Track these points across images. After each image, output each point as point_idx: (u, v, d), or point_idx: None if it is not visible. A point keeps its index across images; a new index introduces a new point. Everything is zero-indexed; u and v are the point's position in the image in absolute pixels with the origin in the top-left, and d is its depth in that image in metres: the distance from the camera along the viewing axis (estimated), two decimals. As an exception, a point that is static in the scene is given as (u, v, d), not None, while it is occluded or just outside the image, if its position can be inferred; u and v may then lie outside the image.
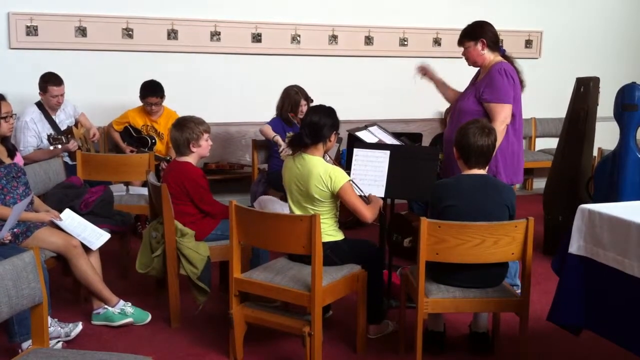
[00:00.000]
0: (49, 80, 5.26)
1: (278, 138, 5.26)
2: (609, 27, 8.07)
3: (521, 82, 4.13)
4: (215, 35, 6.39)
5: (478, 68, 4.23)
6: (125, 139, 5.79)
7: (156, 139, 5.74)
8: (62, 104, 5.42)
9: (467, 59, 4.20)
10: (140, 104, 5.74)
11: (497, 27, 4.16)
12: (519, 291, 3.64)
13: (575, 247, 2.97)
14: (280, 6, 6.61)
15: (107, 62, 6.07)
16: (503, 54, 4.16)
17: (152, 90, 5.61)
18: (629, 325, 2.75)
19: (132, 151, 5.69)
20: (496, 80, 3.99)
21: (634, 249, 2.68)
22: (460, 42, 4.18)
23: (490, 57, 4.11)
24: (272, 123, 5.42)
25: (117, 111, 5.87)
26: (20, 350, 3.36)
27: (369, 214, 3.59)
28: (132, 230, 5.07)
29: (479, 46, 4.09)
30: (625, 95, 4.90)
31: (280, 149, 5.17)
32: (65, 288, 4.29)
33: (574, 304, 2.99)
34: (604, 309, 2.88)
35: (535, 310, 3.53)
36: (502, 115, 3.95)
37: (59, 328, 3.65)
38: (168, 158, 5.35)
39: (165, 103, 5.80)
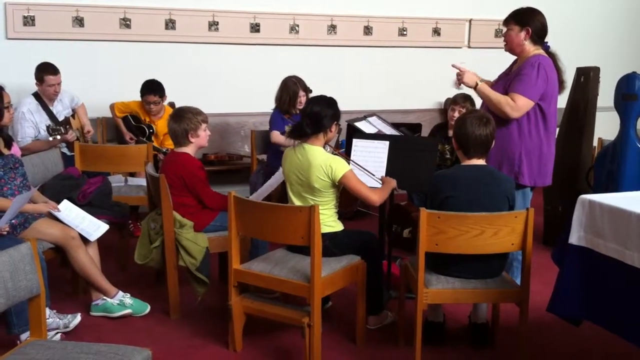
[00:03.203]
0: (45, 70, 5.24)
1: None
2: (609, 17, 8.05)
3: (561, 82, 3.93)
4: (213, 25, 6.35)
5: (510, 57, 4.05)
6: (125, 125, 5.76)
7: (154, 128, 5.71)
8: (59, 95, 5.39)
9: (505, 43, 3.98)
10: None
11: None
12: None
13: (575, 237, 2.96)
14: (279, -5, 6.59)
15: (105, 53, 6.04)
16: (547, 49, 3.94)
17: (150, 89, 5.54)
18: (629, 316, 2.74)
19: (131, 138, 5.67)
20: (526, 73, 3.79)
21: (635, 239, 2.67)
22: (506, 22, 3.94)
23: (530, 48, 3.88)
24: (276, 123, 5.36)
25: (114, 102, 5.82)
26: (18, 342, 3.36)
27: (375, 197, 3.59)
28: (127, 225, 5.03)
29: (522, 34, 3.85)
30: (625, 85, 4.89)
31: None
32: (64, 279, 4.27)
33: (574, 294, 2.98)
34: (604, 299, 2.87)
35: (535, 301, 3.52)
36: (517, 104, 3.76)
37: (58, 319, 3.64)
38: (165, 150, 5.33)
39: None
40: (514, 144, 3.86)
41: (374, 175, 3.78)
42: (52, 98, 5.34)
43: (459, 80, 3.99)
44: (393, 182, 3.76)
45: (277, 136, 5.32)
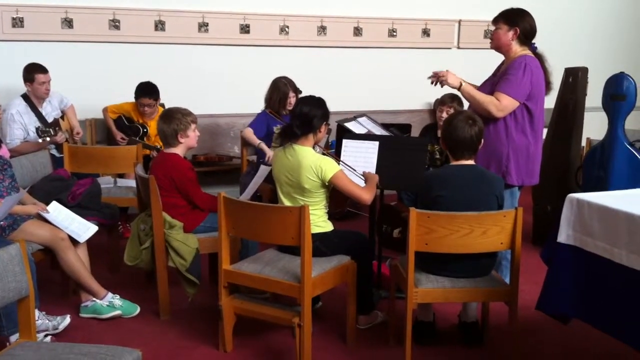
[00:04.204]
0: (35, 69, 5.23)
1: (263, 145, 5.17)
2: (598, 18, 8.10)
3: (548, 83, 3.95)
4: (203, 26, 6.35)
5: (499, 58, 4.07)
6: (118, 126, 5.76)
7: (148, 129, 5.71)
8: (48, 96, 5.37)
9: (491, 40, 4.01)
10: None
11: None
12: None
13: (564, 236, 2.97)
14: (268, -4, 6.60)
15: (94, 54, 6.03)
16: (534, 50, 3.97)
17: (145, 92, 5.55)
18: (617, 314, 2.76)
19: (122, 138, 5.66)
20: (512, 73, 3.82)
21: (623, 237, 2.69)
22: (495, 21, 3.96)
23: (516, 49, 3.92)
24: (256, 122, 5.35)
25: (103, 103, 5.81)
26: (8, 344, 3.34)
27: (366, 195, 3.60)
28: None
29: (510, 34, 3.89)
30: (613, 85, 4.92)
31: (267, 157, 5.05)
32: (54, 281, 4.26)
33: (562, 292, 2.99)
34: (593, 297, 2.88)
35: (524, 300, 3.54)
36: (502, 104, 3.80)
37: (47, 321, 3.63)
38: (158, 147, 5.32)
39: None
40: (502, 144, 3.88)
41: (355, 170, 3.79)
42: (44, 97, 5.32)
43: (443, 82, 4.00)
44: (376, 177, 3.77)
45: (248, 132, 5.28)
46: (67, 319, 3.69)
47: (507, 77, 3.84)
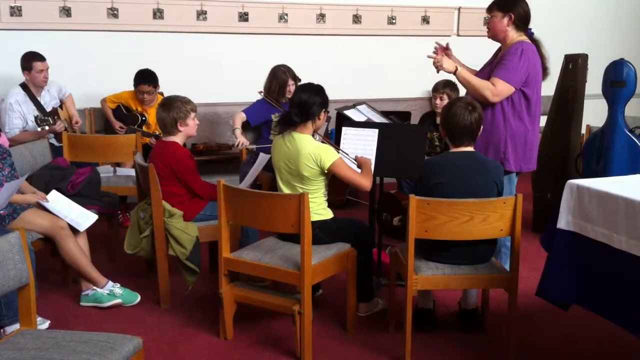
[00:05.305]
0: (32, 58, 5.22)
1: (237, 132, 5.14)
2: (597, 4, 8.07)
3: (545, 69, 3.95)
4: (201, 14, 6.33)
5: (498, 46, 4.07)
6: (116, 115, 5.75)
7: (147, 117, 5.70)
8: (47, 85, 5.36)
9: (488, 29, 4.02)
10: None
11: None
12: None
13: (563, 222, 2.97)
14: (267, -15, 6.56)
15: (92, 43, 6.01)
16: (531, 36, 3.96)
17: (144, 79, 5.55)
18: (616, 299, 2.76)
19: (121, 127, 5.66)
20: (509, 59, 3.83)
21: (622, 223, 2.68)
22: (489, 10, 3.97)
23: (513, 35, 3.92)
24: (252, 108, 5.33)
25: (102, 92, 5.81)
26: (2, 332, 3.35)
27: (365, 182, 3.60)
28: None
29: (505, 20, 3.89)
30: (613, 72, 4.90)
31: (235, 143, 5.06)
32: (54, 270, 4.26)
33: (562, 279, 3.00)
34: (593, 283, 2.88)
35: (524, 287, 3.54)
36: (497, 89, 3.81)
37: None
38: (156, 134, 5.31)
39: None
40: (499, 130, 3.88)
41: (348, 155, 3.78)
42: (42, 85, 5.32)
43: (438, 67, 3.98)
44: (369, 161, 3.76)
45: (237, 115, 5.20)
46: (46, 324, 3.65)
47: (503, 63, 3.84)
